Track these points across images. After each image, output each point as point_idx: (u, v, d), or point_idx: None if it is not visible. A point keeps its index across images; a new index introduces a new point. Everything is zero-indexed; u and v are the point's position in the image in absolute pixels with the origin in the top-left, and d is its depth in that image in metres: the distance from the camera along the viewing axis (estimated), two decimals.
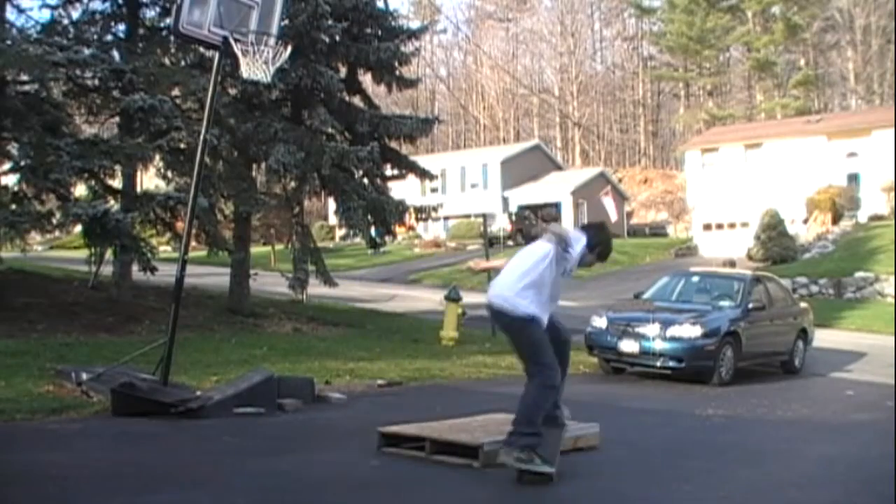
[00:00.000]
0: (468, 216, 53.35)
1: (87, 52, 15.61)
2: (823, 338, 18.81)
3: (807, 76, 71.87)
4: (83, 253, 18.13)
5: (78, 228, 16.18)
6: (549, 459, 6.38)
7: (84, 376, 9.48)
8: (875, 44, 69.95)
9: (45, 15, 28.93)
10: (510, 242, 48.03)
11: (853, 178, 45.18)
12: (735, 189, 46.34)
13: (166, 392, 8.75)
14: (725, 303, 15.13)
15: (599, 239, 6.93)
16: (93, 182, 15.83)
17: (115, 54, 16.50)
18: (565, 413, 7.28)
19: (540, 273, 6.61)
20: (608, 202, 51.94)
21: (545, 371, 6.53)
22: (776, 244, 38.38)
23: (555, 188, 55.83)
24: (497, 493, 6.38)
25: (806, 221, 43.17)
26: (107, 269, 17.98)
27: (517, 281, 6.60)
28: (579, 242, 6.70)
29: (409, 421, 7.95)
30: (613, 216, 52.73)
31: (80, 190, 17.29)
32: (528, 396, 6.51)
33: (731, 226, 46.94)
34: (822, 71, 75.93)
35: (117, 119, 16.37)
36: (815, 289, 31.46)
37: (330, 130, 18.92)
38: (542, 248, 6.71)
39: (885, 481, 7.33)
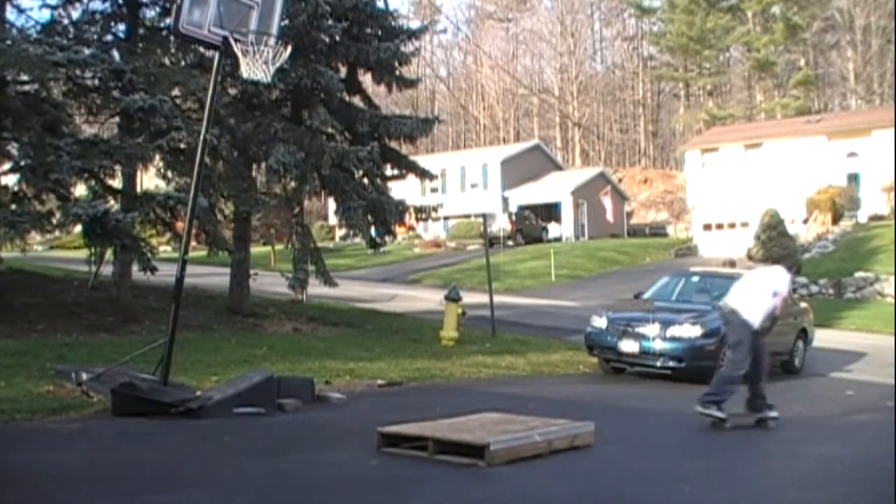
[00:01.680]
0: (468, 216, 53.32)
1: (87, 52, 15.60)
2: (823, 338, 18.81)
3: (807, 76, 71.89)
4: (83, 253, 18.13)
5: (78, 228, 16.15)
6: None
7: (84, 376, 9.49)
8: (875, 44, 69.94)
9: (45, 15, 28.91)
10: (510, 242, 48.06)
11: (853, 178, 45.18)
12: (735, 189, 46.35)
13: (166, 392, 8.77)
14: None
15: (797, 259, 8.50)
16: (93, 182, 15.82)
17: (115, 54, 16.49)
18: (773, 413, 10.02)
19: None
20: (607, 202, 52.06)
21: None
22: (776, 244, 38.32)
23: (555, 188, 55.84)
24: (500, 492, 6.38)
25: (806, 221, 43.16)
26: (107, 269, 17.98)
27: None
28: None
29: (410, 421, 7.96)
30: (611, 217, 52.85)
31: (80, 190, 17.28)
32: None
33: (731, 226, 46.92)
34: (822, 71, 75.97)
35: (117, 119, 16.36)
36: (815, 289, 31.46)
37: (330, 130, 18.92)
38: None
39: (886, 481, 7.34)
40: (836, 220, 42.67)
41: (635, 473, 7.22)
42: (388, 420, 8.32)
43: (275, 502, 5.84)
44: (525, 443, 7.28)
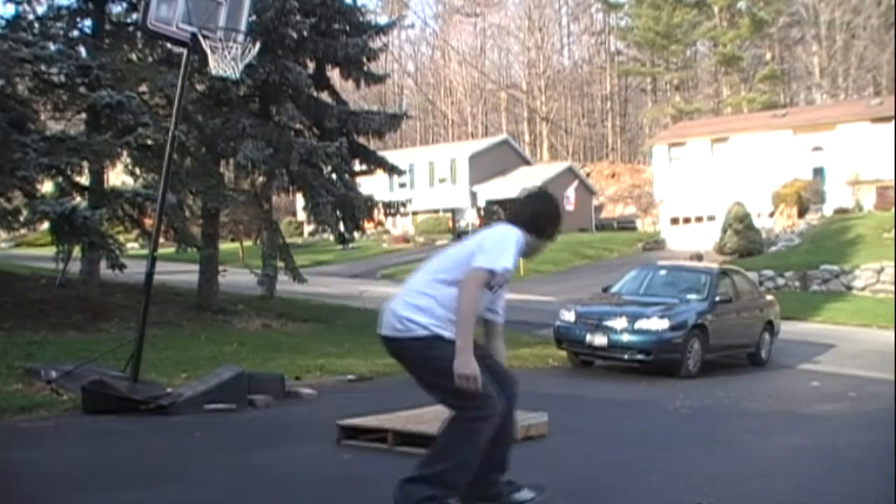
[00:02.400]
0: (437, 211, 53.42)
1: (52, 47, 15.51)
2: (789, 330, 19.05)
3: (772, 71, 72.58)
4: (50, 250, 18.01)
5: (45, 226, 16.06)
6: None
7: (54, 374, 9.47)
8: (840, 39, 70.70)
9: (10, 10, 28.61)
10: None
11: (818, 172, 45.67)
12: (702, 183, 46.74)
13: (137, 389, 8.76)
14: (693, 296, 15.28)
15: (547, 217, 5.10)
16: (60, 179, 15.73)
17: (82, 50, 16.39)
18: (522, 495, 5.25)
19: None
20: (570, 193, 52.42)
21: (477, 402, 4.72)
22: (743, 237, 38.71)
23: (523, 183, 55.89)
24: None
25: (772, 215, 43.59)
26: (74, 267, 17.87)
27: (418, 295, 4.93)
28: (500, 259, 4.72)
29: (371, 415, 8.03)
30: (571, 207, 53.15)
31: (47, 187, 17.17)
32: (447, 434, 4.88)
33: (699, 219, 47.33)
34: (788, 66, 76.67)
35: (84, 115, 16.27)
36: (781, 281, 31.78)
37: (298, 126, 18.90)
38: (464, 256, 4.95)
39: (850, 469, 7.49)
40: (801, 214, 43.14)
41: (603, 463, 7.32)
42: (360, 415, 8.38)
43: (247, 497, 5.87)
44: None
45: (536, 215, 5.05)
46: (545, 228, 5.05)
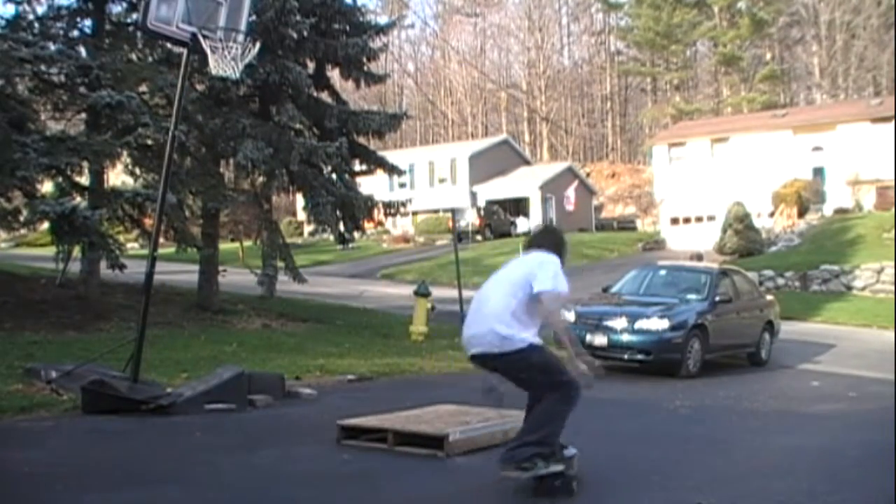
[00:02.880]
0: (437, 211, 53.40)
1: (52, 47, 15.52)
2: (789, 330, 19.04)
3: (772, 71, 72.55)
4: (50, 250, 18.02)
5: (45, 226, 16.07)
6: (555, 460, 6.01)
7: (54, 374, 9.47)
8: (840, 39, 70.68)
9: (10, 10, 28.62)
10: (479, 237, 48.18)
11: (818, 172, 45.64)
12: (702, 183, 46.70)
13: (137, 389, 8.76)
14: (693, 296, 15.28)
15: (565, 247, 6.48)
16: (60, 179, 15.74)
17: (82, 50, 16.40)
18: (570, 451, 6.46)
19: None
20: (570, 193, 52.53)
21: (572, 387, 6.04)
22: (743, 237, 38.71)
23: (523, 183, 56.01)
24: (465, 481, 6.46)
25: (772, 215, 43.57)
26: (74, 267, 17.88)
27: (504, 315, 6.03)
28: (560, 281, 6.04)
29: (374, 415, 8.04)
30: (571, 207, 53.21)
31: (47, 187, 17.18)
32: (548, 407, 6.01)
33: (699, 219, 47.29)
34: (788, 66, 76.65)
35: (84, 115, 16.28)
36: (781, 281, 31.77)
37: (298, 126, 18.91)
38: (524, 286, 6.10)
39: (850, 469, 7.50)
40: (801, 214, 43.12)
41: (602, 464, 7.31)
42: (360, 415, 8.38)
43: (247, 497, 5.88)
44: (482, 433, 7.41)
45: (559, 243, 6.42)
46: (565, 253, 6.40)
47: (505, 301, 6.00)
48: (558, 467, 6.00)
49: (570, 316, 14.79)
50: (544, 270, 6.01)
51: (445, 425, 7.33)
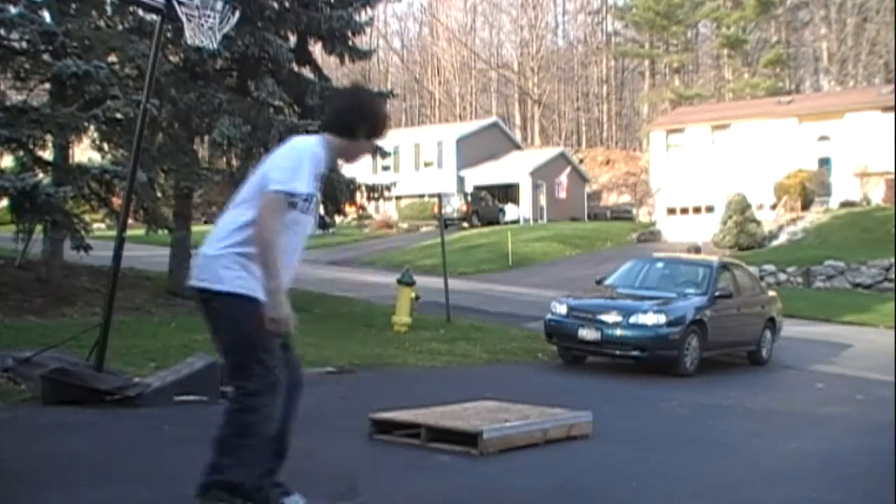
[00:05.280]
0: (422, 196, 53.35)
1: (13, 10, 15.30)
2: (791, 328, 19.06)
3: (778, 55, 72.59)
4: (9, 229, 17.84)
5: (4, 203, 15.90)
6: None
7: (10, 362, 9.33)
8: (850, 21, 70.77)
9: None
10: (465, 224, 48.18)
11: (824, 163, 45.75)
12: (701, 172, 46.76)
13: (101, 379, 8.64)
14: (691, 290, 15.26)
15: (358, 114, 4.79)
16: (21, 153, 15.55)
17: (46, 15, 16.18)
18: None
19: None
20: (563, 179, 52.56)
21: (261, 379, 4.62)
22: (743, 230, 38.83)
23: (513, 168, 55.99)
24: (447, 484, 6.40)
25: (774, 207, 43.67)
26: (36, 247, 17.72)
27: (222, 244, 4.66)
28: (298, 176, 4.53)
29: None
30: (563, 194, 53.26)
31: (6, 161, 17.00)
32: (229, 424, 4.74)
33: (697, 210, 47.38)
34: (794, 50, 76.74)
35: (48, 86, 16.08)
36: (783, 277, 31.87)
37: (278, 103, 18.74)
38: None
39: (860, 478, 7.46)
40: (805, 206, 43.23)
41: (598, 467, 7.27)
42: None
43: None
44: (519, 432, 7.41)
45: (342, 113, 4.80)
46: (355, 127, 4.74)
47: (229, 216, 4.69)
48: None
49: (562, 309, 14.75)
50: (281, 163, 4.60)
51: (481, 422, 7.36)
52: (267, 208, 4.44)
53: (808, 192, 43.94)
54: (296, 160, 4.52)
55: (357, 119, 4.71)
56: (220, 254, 4.53)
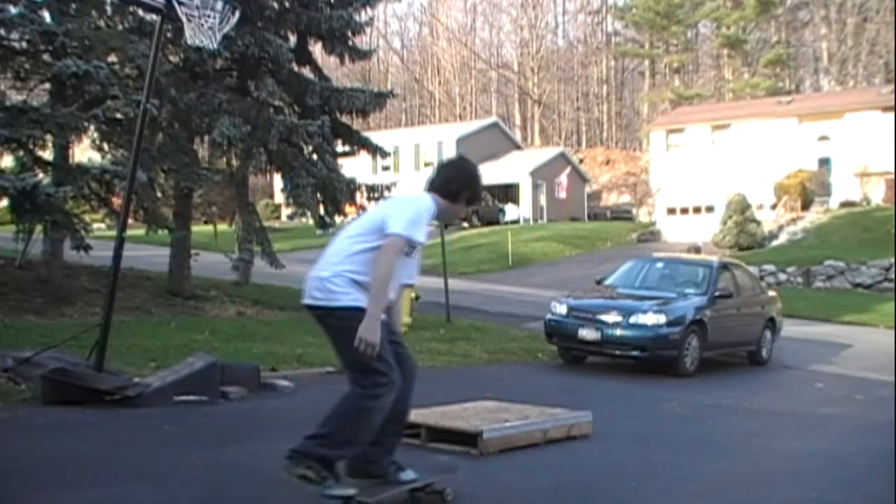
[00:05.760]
0: None
1: (13, 10, 15.29)
2: (791, 328, 19.06)
3: (778, 55, 72.54)
4: (9, 229, 17.84)
5: (4, 203, 15.89)
6: (349, 483, 5.22)
7: (11, 362, 9.33)
8: (850, 21, 70.71)
9: None
10: (465, 224, 48.15)
11: (824, 163, 45.73)
12: (701, 172, 46.74)
13: (101, 379, 8.64)
14: (691, 290, 15.25)
15: (461, 182, 5.53)
16: (21, 153, 15.54)
17: (46, 15, 16.17)
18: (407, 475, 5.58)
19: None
20: (563, 179, 52.57)
21: (377, 378, 5.17)
22: (743, 230, 38.82)
23: (513, 168, 55.96)
24: (456, 487, 6.39)
25: (774, 207, 43.66)
26: (36, 248, 17.71)
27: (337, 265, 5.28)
28: (417, 227, 5.19)
29: None
30: (563, 194, 53.25)
31: (6, 161, 16.99)
32: (345, 403, 5.27)
33: (696, 210, 47.36)
34: (794, 50, 76.70)
35: (48, 86, 16.07)
36: (783, 277, 31.85)
37: (278, 103, 18.75)
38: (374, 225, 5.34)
39: (860, 478, 7.46)
40: (805, 206, 43.22)
41: (599, 466, 7.27)
42: None
43: (219, 496, 5.79)
44: (519, 432, 7.43)
45: (449, 180, 5.50)
46: (458, 193, 5.49)
47: (344, 244, 5.30)
48: (348, 490, 5.14)
49: (562, 309, 14.75)
50: (402, 211, 5.21)
51: (481, 422, 7.37)
52: (390, 248, 5.10)
53: (808, 192, 43.93)
54: (417, 213, 5.22)
55: (461, 187, 5.51)
56: (334, 275, 5.19)
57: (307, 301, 5.28)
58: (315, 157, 19.21)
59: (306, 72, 20.05)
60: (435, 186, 5.50)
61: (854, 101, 47.08)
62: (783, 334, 17.62)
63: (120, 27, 17.03)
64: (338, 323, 5.15)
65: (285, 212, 30.69)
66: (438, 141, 57.99)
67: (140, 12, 16.40)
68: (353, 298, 5.11)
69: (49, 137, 15.07)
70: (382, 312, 5.12)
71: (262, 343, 13.30)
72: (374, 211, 5.59)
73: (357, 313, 5.03)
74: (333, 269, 5.19)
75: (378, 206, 5.65)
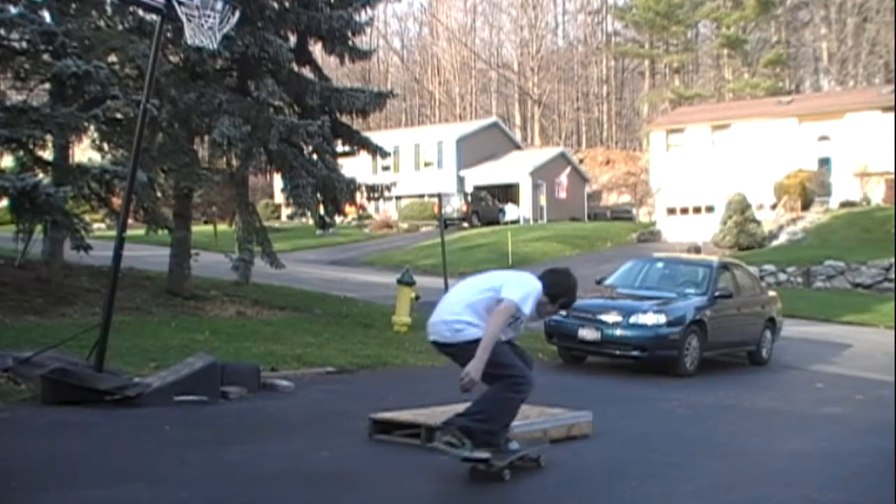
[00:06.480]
0: (422, 196, 53.33)
1: (13, 10, 15.28)
2: (791, 328, 19.06)
3: (778, 55, 72.51)
4: (9, 229, 17.82)
5: (4, 203, 15.88)
6: (485, 446, 6.38)
7: (11, 361, 9.33)
8: (850, 21, 70.69)
9: None
10: (465, 224, 48.16)
11: (824, 163, 45.70)
12: (701, 172, 46.71)
13: (101, 379, 8.64)
14: (691, 290, 15.25)
15: (563, 288, 6.79)
16: (21, 153, 15.52)
17: (46, 15, 16.15)
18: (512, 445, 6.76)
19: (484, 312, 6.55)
20: (563, 179, 52.55)
21: (517, 379, 6.52)
22: (743, 230, 38.82)
23: (513, 168, 55.93)
24: (446, 485, 6.40)
25: (774, 207, 43.65)
26: (36, 248, 17.70)
27: (461, 310, 6.58)
28: (527, 302, 6.45)
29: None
30: (563, 194, 53.24)
31: (6, 161, 16.97)
32: (491, 393, 6.49)
33: (697, 210, 47.34)
34: (795, 50, 76.68)
35: (48, 86, 16.04)
36: (783, 277, 31.85)
37: (278, 103, 18.72)
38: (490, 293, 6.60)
39: (860, 477, 7.46)
40: (805, 206, 43.20)
41: (598, 466, 7.27)
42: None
43: (221, 496, 5.78)
44: (519, 432, 7.40)
45: (554, 284, 6.71)
46: (559, 297, 6.71)
47: (463, 295, 6.67)
48: (483, 454, 6.36)
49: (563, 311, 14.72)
50: (519, 285, 6.51)
51: None
52: (504, 311, 6.34)
53: (808, 192, 43.88)
54: (529, 291, 6.50)
55: (562, 293, 6.76)
56: (457, 319, 6.49)
57: (436, 338, 6.66)
58: (315, 157, 19.18)
59: (306, 72, 20.01)
60: (545, 282, 6.67)
61: (854, 101, 47.06)
62: (783, 334, 17.62)
63: (120, 27, 17.00)
64: (467, 353, 6.25)
65: (285, 212, 30.76)
66: (438, 141, 57.99)
67: (140, 12, 16.37)
68: (475, 332, 6.34)
69: (49, 137, 15.04)
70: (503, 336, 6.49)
71: (262, 343, 13.30)
72: (495, 275, 6.85)
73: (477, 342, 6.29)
74: (458, 315, 6.48)
75: (499, 273, 6.97)
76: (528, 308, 6.43)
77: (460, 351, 6.45)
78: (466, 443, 6.27)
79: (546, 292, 6.61)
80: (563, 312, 14.35)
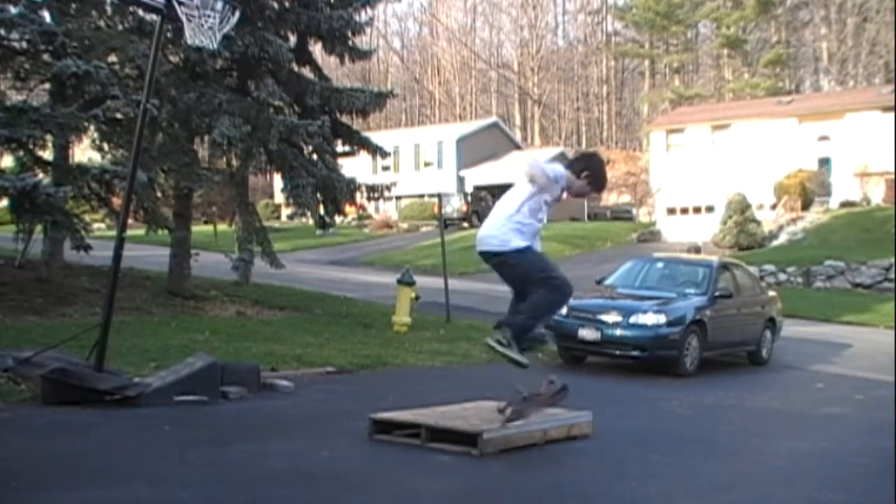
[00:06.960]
0: (422, 196, 53.33)
1: (13, 10, 15.28)
2: (791, 328, 19.06)
3: (778, 55, 72.53)
4: (9, 229, 17.82)
5: (4, 203, 15.87)
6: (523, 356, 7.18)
7: (10, 361, 9.32)
8: (850, 22, 70.68)
9: None
10: (465, 224, 48.15)
11: (824, 163, 45.71)
12: (701, 172, 46.74)
13: (101, 379, 8.63)
14: (691, 290, 15.26)
15: (587, 165, 7.38)
16: (21, 153, 15.51)
17: (46, 14, 16.15)
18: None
19: (525, 213, 7.22)
20: None
21: (559, 282, 7.25)
22: (743, 230, 38.81)
23: (513, 168, 55.88)
24: (446, 485, 6.39)
25: (774, 207, 43.66)
26: (35, 248, 17.70)
27: (504, 223, 7.22)
28: (552, 166, 7.17)
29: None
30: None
31: (6, 161, 16.97)
32: (539, 296, 7.20)
33: (697, 210, 47.36)
34: (794, 50, 76.68)
35: (48, 86, 16.04)
36: (783, 277, 31.85)
37: (278, 103, 18.71)
38: (522, 189, 7.26)
39: (860, 477, 7.46)
40: (805, 206, 43.20)
41: (598, 466, 7.26)
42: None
43: (220, 496, 5.77)
44: (519, 432, 7.42)
45: (579, 160, 7.51)
46: (583, 170, 7.30)
47: (505, 209, 7.26)
48: (524, 360, 7.17)
49: (562, 309, 14.71)
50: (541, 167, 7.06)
51: (481, 422, 7.35)
52: (537, 167, 7.09)
53: (808, 192, 43.90)
54: (553, 166, 7.17)
55: (584, 168, 7.34)
56: (504, 230, 7.15)
57: (485, 248, 7.31)
58: (315, 157, 19.19)
59: (306, 72, 20.02)
60: (566, 165, 7.35)
61: (854, 101, 47.08)
62: (783, 334, 17.62)
63: (120, 27, 17.00)
64: (514, 260, 7.11)
65: (285, 212, 30.75)
66: (438, 141, 58.01)
67: (140, 12, 16.38)
68: (519, 240, 7.09)
69: (49, 137, 15.03)
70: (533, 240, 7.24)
71: (262, 343, 13.30)
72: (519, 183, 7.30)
73: (525, 250, 7.14)
74: (503, 227, 7.15)
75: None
76: (552, 170, 7.04)
77: (508, 259, 7.16)
78: (513, 344, 7.04)
79: (568, 167, 7.30)
80: (564, 312, 14.55)
